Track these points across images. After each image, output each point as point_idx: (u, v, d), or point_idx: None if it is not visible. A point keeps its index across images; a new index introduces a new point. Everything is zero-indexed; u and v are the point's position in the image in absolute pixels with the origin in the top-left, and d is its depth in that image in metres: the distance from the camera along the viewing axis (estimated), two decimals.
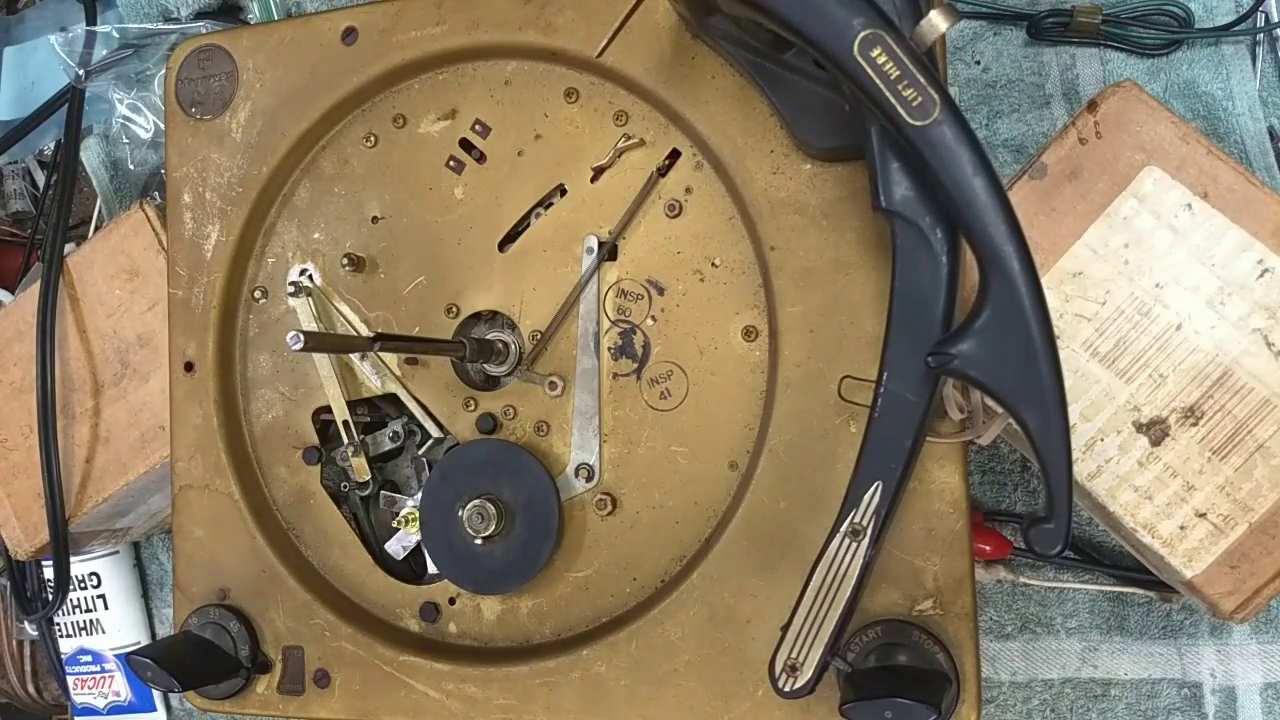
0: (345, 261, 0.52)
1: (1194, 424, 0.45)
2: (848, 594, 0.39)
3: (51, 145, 0.78)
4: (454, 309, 0.51)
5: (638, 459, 0.48)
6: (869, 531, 0.39)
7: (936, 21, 0.35)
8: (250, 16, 0.73)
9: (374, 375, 0.53)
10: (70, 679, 0.76)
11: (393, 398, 0.53)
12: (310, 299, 0.53)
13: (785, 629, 0.40)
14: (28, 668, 0.78)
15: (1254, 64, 0.60)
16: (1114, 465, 0.46)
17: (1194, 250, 0.45)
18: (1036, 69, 0.63)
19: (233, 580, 0.53)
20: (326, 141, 0.54)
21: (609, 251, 0.49)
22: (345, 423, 0.52)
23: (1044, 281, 0.37)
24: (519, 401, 0.50)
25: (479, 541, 0.48)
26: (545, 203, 0.50)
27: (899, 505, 0.39)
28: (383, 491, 0.54)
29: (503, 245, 0.51)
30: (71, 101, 0.72)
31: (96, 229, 0.75)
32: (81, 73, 0.72)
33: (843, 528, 0.39)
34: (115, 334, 0.62)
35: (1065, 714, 0.60)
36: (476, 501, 0.48)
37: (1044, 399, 0.35)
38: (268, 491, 0.54)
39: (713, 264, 0.47)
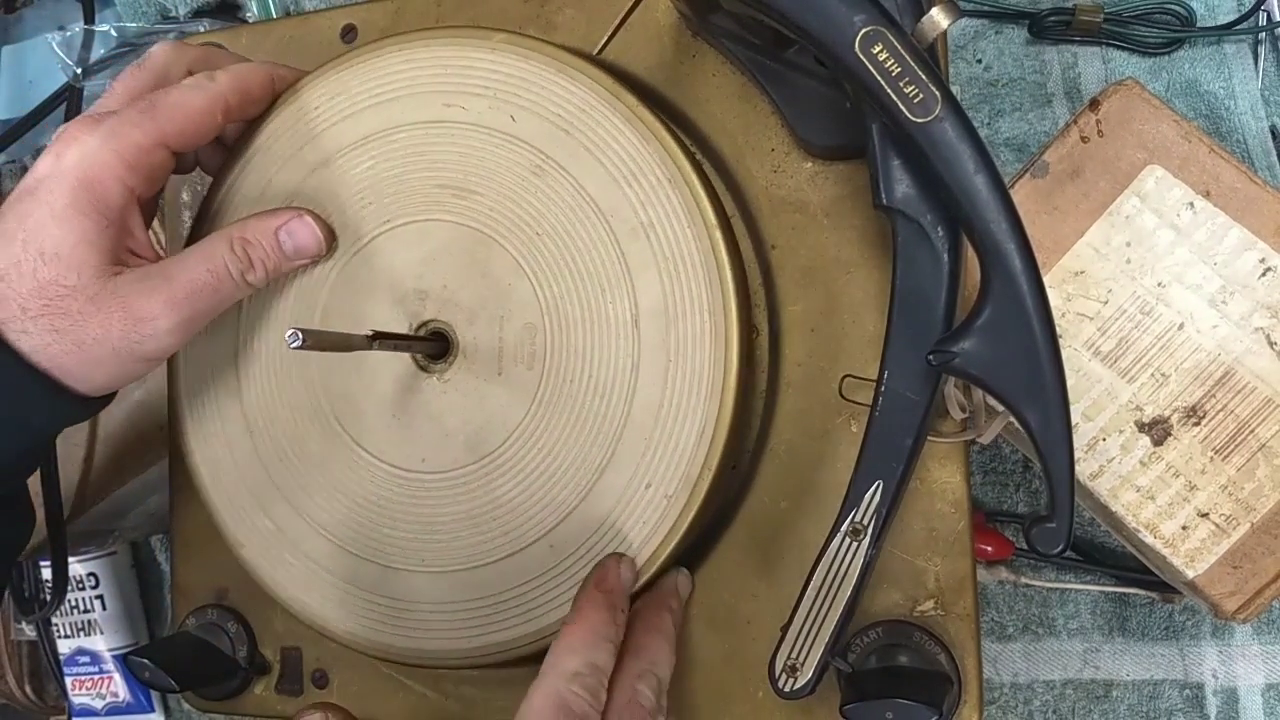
0: None
1: (1196, 424, 0.45)
2: (848, 594, 0.39)
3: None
4: None
5: None
6: (870, 531, 0.38)
7: (938, 18, 0.35)
8: (248, 15, 0.73)
9: None
10: (68, 680, 0.76)
11: None
12: None
13: (785, 629, 0.40)
14: (25, 668, 0.78)
15: (1256, 63, 0.60)
16: (1116, 465, 0.45)
17: (1196, 249, 0.45)
18: (1038, 67, 0.63)
19: (231, 580, 0.52)
20: None
21: None
22: None
23: (1046, 280, 0.37)
24: None
25: None
26: None
27: (900, 505, 0.39)
28: None
29: None
30: (70, 100, 0.72)
31: None
32: (79, 71, 0.72)
33: (843, 527, 0.39)
34: None
35: (1067, 715, 0.60)
36: None
37: (1046, 398, 0.35)
38: None
39: None
